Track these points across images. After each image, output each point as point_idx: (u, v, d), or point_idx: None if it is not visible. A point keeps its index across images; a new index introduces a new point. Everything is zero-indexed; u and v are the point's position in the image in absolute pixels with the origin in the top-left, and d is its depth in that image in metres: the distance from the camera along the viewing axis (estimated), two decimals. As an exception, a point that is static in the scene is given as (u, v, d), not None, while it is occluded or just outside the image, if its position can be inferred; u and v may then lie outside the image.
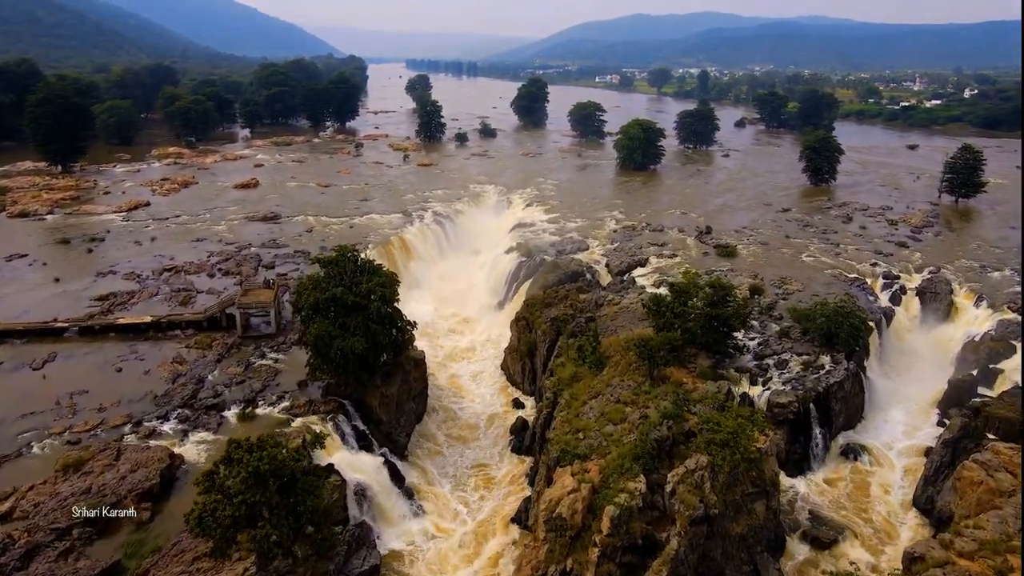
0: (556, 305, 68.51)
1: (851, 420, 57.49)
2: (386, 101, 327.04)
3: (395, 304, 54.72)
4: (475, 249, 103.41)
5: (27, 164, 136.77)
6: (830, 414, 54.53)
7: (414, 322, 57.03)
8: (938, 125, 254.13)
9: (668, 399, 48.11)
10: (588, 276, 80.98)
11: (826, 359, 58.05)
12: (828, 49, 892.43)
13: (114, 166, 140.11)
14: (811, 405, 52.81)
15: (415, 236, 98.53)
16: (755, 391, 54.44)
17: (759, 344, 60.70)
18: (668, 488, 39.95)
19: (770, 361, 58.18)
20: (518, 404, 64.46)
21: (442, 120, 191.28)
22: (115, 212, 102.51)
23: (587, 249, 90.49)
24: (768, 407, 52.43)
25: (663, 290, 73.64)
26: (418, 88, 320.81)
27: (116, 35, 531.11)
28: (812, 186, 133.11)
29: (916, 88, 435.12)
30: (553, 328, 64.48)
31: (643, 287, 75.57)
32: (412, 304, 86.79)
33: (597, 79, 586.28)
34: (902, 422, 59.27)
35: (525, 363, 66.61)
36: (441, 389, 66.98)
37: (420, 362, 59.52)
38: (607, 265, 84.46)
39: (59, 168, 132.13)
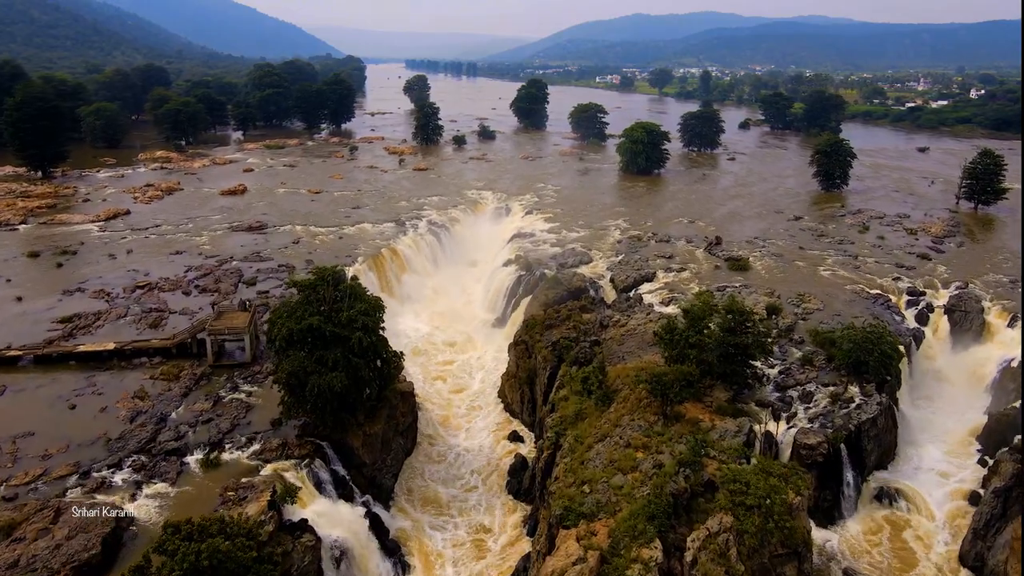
0: (558, 327, 63.22)
1: (883, 459, 52.17)
2: (384, 102, 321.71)
3: (381, 332, 49.37)
4: (472, 260, 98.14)
5: (7, 169, 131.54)
6: (862, 454, 49.22)
7: (401, 353, 51.69)
8: (946, 127, 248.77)
9: (684, 442, 42.89)
10: (592, 293, 75.64)
11: (855, 390, 52.75)
12: (828, 49, 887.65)
13: (98, 171, 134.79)
14: (842, 446, 47.47)
15: (408, 247, 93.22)
16: (778, 428, 49.10)
17: (781, 373, 55.40)
18: (688, 557, 34.67)
19: (794, 393, 52.86)
20: (516, 437, 59.11)
21: (439, 122, 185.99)
22: (92, 222, 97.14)
23: (590, 262, 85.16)
24: (794, 448, 47.11)
25: (674, 309, 68.50)
26: (416, 89, 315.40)
27: (112, 35, 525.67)
28: (823, 192, 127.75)
29: (920, 88, 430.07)
30: (554, 354, 59.20)
31: (651, 305, 70.25)
32: (405, 320, 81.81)
33: (597, 79, 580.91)
34: (939, 460, 53.92)
35: (524, 392, 61.31)
36: (432, 419, 61.63)
37: (408, 394, 54.22)
38: (612, 280, 79.12)
39: (39, 174, 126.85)
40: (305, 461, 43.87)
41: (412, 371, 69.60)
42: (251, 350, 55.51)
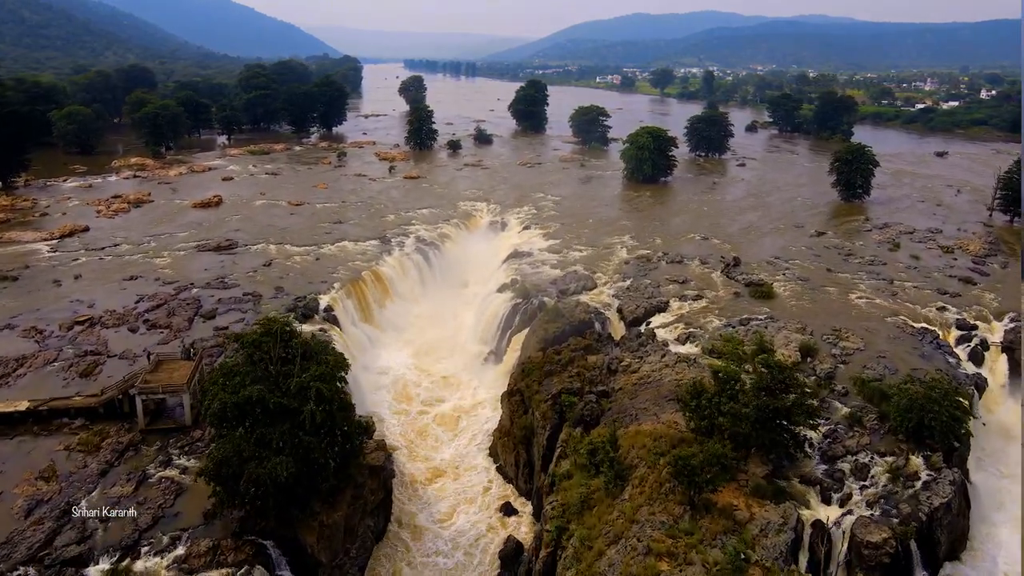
0: (559, 374, 54.12)
1: (955, 547, 43.07)
2: (380, 104, 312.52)
3: (344, 392, 40.33)
4: (463, 282, 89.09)
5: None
6: (934, 547, 40.15)
7: (369, 422, 42.67)
8: (960, 129, 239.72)
9: (718, 545, 33.95)
10: (597, 327, 66.45)
11: (918, 461, 43.67)
12: (829, 48, 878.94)
13: (65, 180, 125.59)
14: (912, 542, 38.40)
15: (393, 269, 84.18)
16: (830, 513, 40.07)
17: (826, 437, 46.26)
18: None
19: (845, 465, 43.74)
20: (510, 510, 50.00)
21: (433, 126, 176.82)
22: (44, 240, 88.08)
23: (594, 288, 75.98)
24: (853, 544, 38.03)
25: (692, 348, 59.49)
26: (412, 90, 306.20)
27: (105, 35, 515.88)
28: (843, 202, 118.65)
29: (927, 88, 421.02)
30: (555, 410, 50.14)
31: (665, 344, 61.18)
32: (387, 354, 73.02)
33: (597, 79, 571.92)
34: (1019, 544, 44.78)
35: (519, 454, 52.20)
36: (411, 483, 52.55)
37: (379, 468, 44.95)
38: (619, 311, 69.97)
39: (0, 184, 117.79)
40: (243, 569, 34.79)
41: (390, 422, 60.72)
42: (192, 411, 46.34)
